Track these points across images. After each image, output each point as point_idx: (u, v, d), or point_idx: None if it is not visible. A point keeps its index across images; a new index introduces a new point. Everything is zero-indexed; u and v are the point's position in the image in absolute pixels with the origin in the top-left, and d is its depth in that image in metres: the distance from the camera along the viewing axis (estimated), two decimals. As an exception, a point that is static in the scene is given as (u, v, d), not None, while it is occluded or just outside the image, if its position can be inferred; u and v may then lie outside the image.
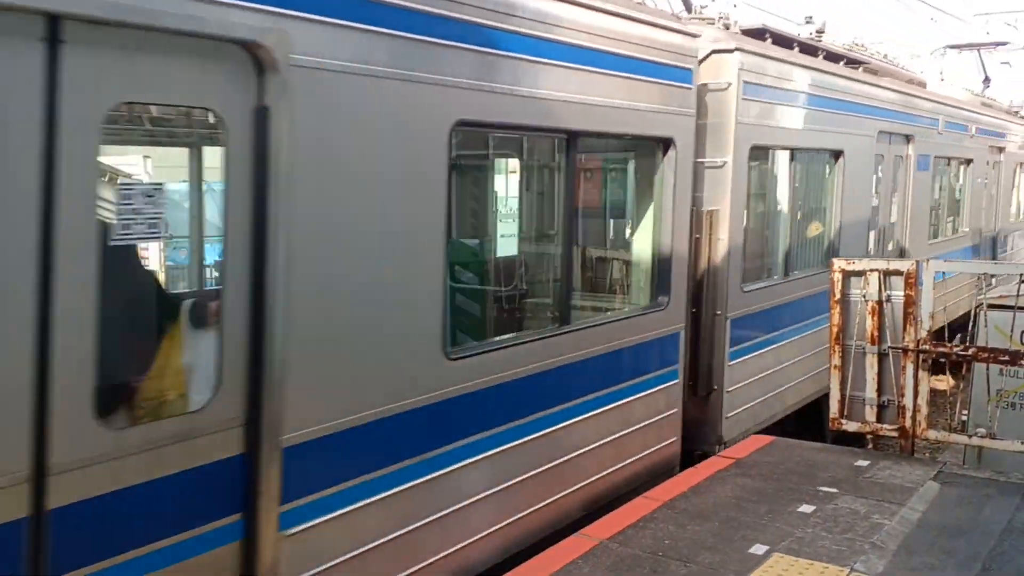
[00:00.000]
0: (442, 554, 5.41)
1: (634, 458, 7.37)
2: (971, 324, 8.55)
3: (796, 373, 10.01)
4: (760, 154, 9.29)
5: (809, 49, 10.50)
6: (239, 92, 4.08)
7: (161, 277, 7.27)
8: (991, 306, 8.51)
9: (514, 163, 8.60)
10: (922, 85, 15.04)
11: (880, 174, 12.32)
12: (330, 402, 4.62)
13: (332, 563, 4.66)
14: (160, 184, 4.28)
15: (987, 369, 8.02)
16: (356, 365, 4.76)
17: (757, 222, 9.85)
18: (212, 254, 6.43)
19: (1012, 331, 8.29)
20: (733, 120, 8.37)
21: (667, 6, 8.86)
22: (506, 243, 8.26)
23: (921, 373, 7.88)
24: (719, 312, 8.41)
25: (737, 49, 8.49)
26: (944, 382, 14.74)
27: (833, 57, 11.08)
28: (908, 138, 13.13)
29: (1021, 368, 7.92)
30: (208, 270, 6.66)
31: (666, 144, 7.60)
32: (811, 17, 11.75)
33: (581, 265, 7.92)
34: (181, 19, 3.76)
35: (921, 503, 6.69)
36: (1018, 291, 8.17)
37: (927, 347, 7.85)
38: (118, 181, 4.62)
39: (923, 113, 13.66)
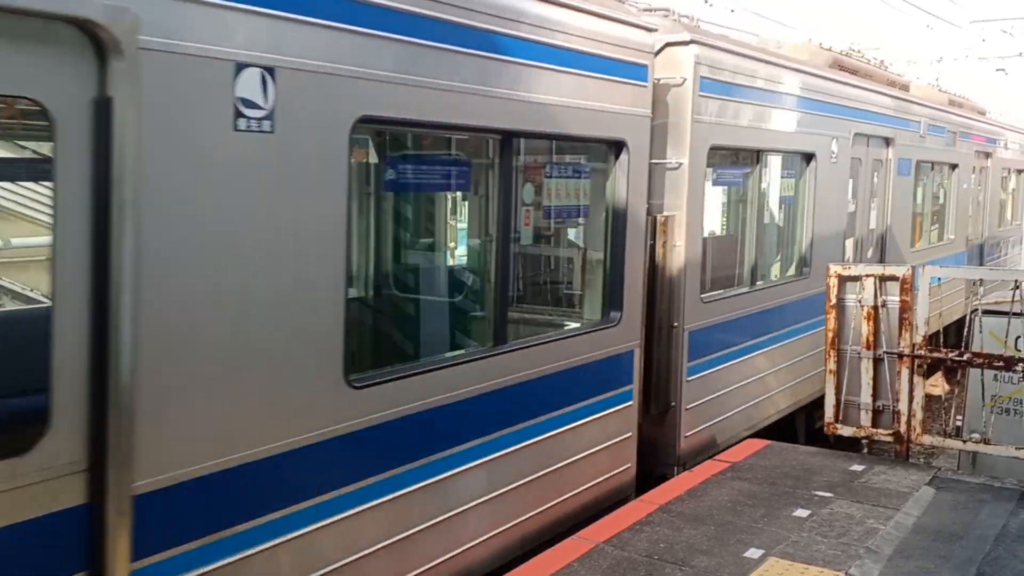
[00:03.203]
0: None
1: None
2: (966, 330, 8.57)
3: (765, 387, 9.46)
4: (724, 156, 8.91)
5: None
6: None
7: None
8: (986, 312, 8.53)
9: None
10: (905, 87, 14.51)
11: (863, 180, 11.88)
12: None
13: None
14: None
15: (982, 374, 8.05)
16: None
17: (723, 228, 9.54)
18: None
19: (1007, 337, 8.31)
20: (689, 118, 7.80)
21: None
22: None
23: (916, 378, 7.90)
24: (676, 324, 7.81)
25: (693, 41, 7.81)
26: (939, 387, 14.78)
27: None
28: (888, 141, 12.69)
29: (1015, 373, 7.94)
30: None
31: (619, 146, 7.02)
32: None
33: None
34: None
35: (916, 508, 6.71)
36: (1013, 297, 8.21)
37: (923, 352, 7.88)
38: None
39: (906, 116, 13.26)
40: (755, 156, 9.20)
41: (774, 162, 9.94)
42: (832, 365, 8.25)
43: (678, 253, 7.74)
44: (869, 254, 12.42)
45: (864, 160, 11.82)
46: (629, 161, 6.96)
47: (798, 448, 8.25)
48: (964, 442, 8.01)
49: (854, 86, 11.39)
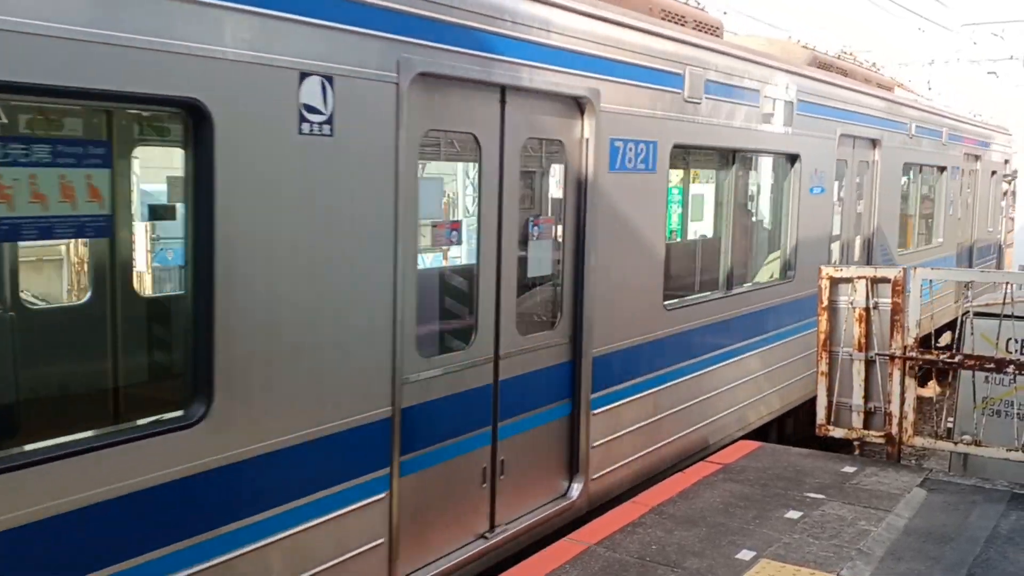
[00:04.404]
0: None
1: None
2: (957, 332, 8.58)
3: None
4: None
5: None
6: None
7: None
8: (977, 314, 8.55)
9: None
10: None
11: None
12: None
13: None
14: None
15: (973, 376, 8.07)
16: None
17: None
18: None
19: (998, 338, 8.34)
20: None
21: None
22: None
23: (908, 380, 7.92)
24: None
25: None
26: (930, 390, 14.79)
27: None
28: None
29: (1006, 375, 7.96)
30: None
31: None
32: None
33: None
34: None
35: (907, 510, 6.73)
36: (1003, 299, 8.23)
37: (914, 354, 7.90)
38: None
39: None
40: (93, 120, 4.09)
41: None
42: (824, 367, 8.28)
43: None
44: (558, 323, 6.40)
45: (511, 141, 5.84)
46: None
47: (790, 450, 8.26)
48: (955, 444, 8.03)
49: None
